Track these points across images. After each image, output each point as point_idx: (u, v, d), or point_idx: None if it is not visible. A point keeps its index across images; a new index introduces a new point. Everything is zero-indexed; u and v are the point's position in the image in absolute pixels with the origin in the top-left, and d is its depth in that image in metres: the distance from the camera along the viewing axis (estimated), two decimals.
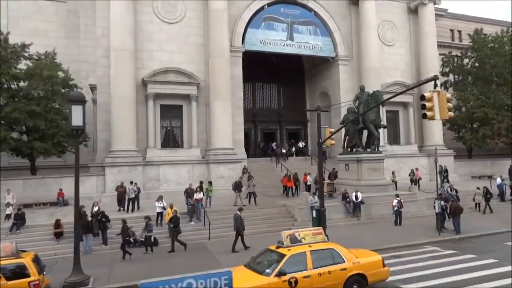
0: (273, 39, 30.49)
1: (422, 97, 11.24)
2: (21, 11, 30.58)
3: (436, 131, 33.38)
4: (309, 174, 26.26)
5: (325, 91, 34.60)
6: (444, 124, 36.05)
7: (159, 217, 17.08)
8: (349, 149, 23.81)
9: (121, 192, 19.56)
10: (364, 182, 21.80)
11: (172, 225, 15.05)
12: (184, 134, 27.44)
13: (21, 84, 23.08)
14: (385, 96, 31.93)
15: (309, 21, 31.82)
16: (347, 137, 24.33)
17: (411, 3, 34.77)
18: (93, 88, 28.06)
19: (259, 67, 35.49)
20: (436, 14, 43.77)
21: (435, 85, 11.15)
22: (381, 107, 31.60)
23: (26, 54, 23.93)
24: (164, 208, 16.97)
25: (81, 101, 11.01)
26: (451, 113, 11.18)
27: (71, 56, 30.93)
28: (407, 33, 35.18)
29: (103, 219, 15.53)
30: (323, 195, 15.57)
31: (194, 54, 27.61)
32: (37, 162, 25.30)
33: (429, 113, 11.04)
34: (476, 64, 35.31)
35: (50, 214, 18.78)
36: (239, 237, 15.14)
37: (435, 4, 34.51)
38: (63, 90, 23.99)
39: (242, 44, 29.40)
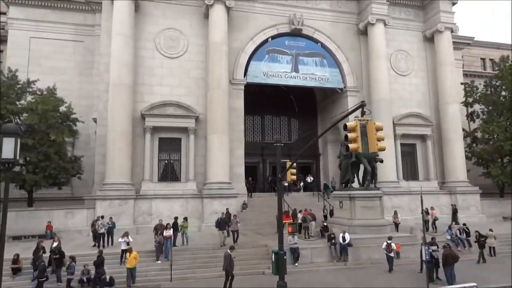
0: (276, 71, 30.08)
1: (345, 127, 10.03)
2: (43, 52, 32.61)
3: (458, 166, 30.56)
4: (310, 210, 24.72)
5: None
6: (469, 158, 33.14)
7: (123, 255, 16.42)
8: (343, 185, 22.15)
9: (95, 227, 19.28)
10: (357, 222, 19.94)
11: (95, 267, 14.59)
12: (182, 168, 27.14)
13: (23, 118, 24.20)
14: (401, 130, 30.49)
15: (316, 53, 31.18)
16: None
17: (426, 32, 33.17)
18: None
19: (268, 99, 35.16)
20: (462, 43, 42.11)
21: (363, 113, 9.90)
22: (394, 140, 29.94)
23: (30, 90, 25.16)
24: (128, 244, 16.33)
25: (14, 133, 10.76)
26: (383, 145, 9.80)
27: (86, 91, 32.36)
28: (424, 62, 33.38)
29: (58, 256, 15.14)
30: (282, 237, 14.18)
31: (194, 87, 27.74)
32: (39, 194, 26.01)
33: (352, 145, 9.79)
34: (503, 93, 32.50)
35: (27, 248, 18.79)
36: (229, 279, 14.15)
37: (452, 32, 32.60)
38: (64, 124, 24.85)
39: (244, 76, 29.25)
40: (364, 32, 31.62)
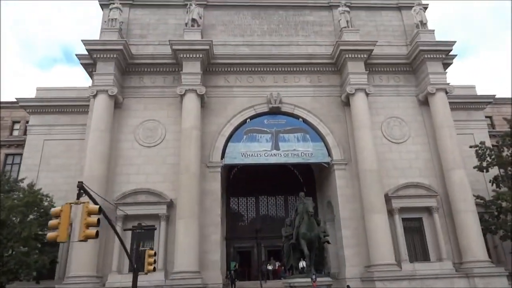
0: (256, 151, 29.59)
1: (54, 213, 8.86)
2: (53, 152, 35.65)
3: (472, 241, 25.76)
4: None
5: (330, 200, 30.81)
6: (493, 232, 28.05)
7: None
8: (290, 272, 19.49)
9: None
10: None
11: None
12: (159, 258, 26.18)
13: None
14: (399, 203, 27.17)
15: (297, 128, 30.49)
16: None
17: (419, 95, 31.11)
18: None
19: (262, 179, 34.24)
20: (482, 102, 39.06)
21: (78, 196, 8.79)
22: (391, 215, 26.95)
23: (16, 187, 27.23)
24: None
25: None
26: (91, 231, 8.41)
27: None
28: (422, 127, 30.72)
29: None
30: None
31: (169, 174, 27.97)
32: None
33: (51, 234, 8.56)
34: None
35: None
36: None
37: (447, 93, 30.14)
38: (41, 218, 25.99)
39: (221, 159, 29.07)
40: (347, 103, 30.50)
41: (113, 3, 31.28)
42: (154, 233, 26.70)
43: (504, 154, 29.32)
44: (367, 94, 29.66)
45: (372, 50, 30.42)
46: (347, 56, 30.08)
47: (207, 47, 29.25)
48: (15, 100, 36.95)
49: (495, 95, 39.71)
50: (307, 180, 35.23)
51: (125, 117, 29.55)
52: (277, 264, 31.18)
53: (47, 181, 33.52)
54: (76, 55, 30.34)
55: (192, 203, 25.79)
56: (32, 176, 33.79)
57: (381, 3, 35.16)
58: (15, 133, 41.74)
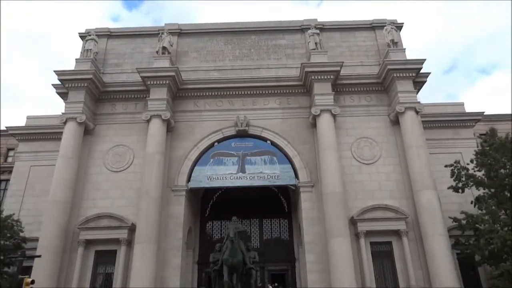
0: (222, 174, 29.53)
1: None
2: (37, 177, 36.61)
3: (440, 267, 24.28)
4: None
5: (299, 223, 30.12)
6: (470, 258, 26.51)
7: None
8: None
9: None
10: None
11: None
12: (117, 282, 26.24)
13: None
14: (365, 227, 26.23)
15: (264, 151, 30.30)
16: None
17: (391, 114, 30.40)
18: None
19: (238, 203, 33.97)
20: (470, 120, 37.88)
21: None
22: (357, 239, 26.21)
23: None
24: None
25: None
26: None
27: None
28: (394, 147, 29.79)
29: None
30: None
31: (134, 198, 28.19)
32: None
33: None
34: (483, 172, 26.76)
35: None
36: None
37: (417, 112, 29.29)
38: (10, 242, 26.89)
39: (188, 182, 29.18)
40: (315, 125, 30.16)
41: (89, 35, 32.81)
42: (116, 257, 26.94)
43: (481, 173, 27.79)
44: (333, 115, 29.28)
45: (339, 71, 30.20)
46: (313, 77, 30.01)
47: (173, 73, 29.94)
48: (5, 128, 38.83)
49: (483, 112, 38.21)
50: (282, 202, 34.67)
51: (95, 143, 30.36)
52: None
53: (30, 206, 34.77)
54: (52, 85, 31.75)
55: (150, 228, 25.83)
56: (17, 201, 35.23)
57: (355, 24, 35.13)
58: (9, 159, 43.63)
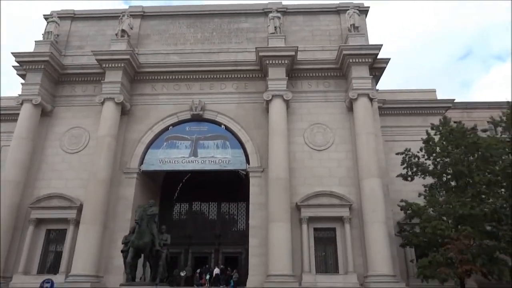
0: (174, 157, 29.82)
1: None
2: None
3: (378, 254, 24.39)
4: None
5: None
6: (403, 246, 26.51)
7: None
8: None
9: None
10: None
11: None
12: (63, 259, 26.98)
13: None
14: (308, 213, 26.33)
15: (218, 135, 30.40)
16: None
17: (346, 101, 30.07)
18: None
19: (199, 187, 34.40)
20: (440, 107, 37.12)
21: None
22: (300, 224, 26.42)
23: None
24: None
25: None
26: None
27: None
28: (347, 134, 29.54)
29: None
30: None
31: (86, 179, 28.81)
32: None
33: None
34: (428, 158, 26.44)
35: None
36: None
37: (371, 99, 28.88)
38: None
39: (140, 165, 29.59)
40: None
41: (52, 17, 32.99)
42: (66, 235, 27.72)
43: (430, 162, 27.39)
44: (285, 100, 29.11)
45: (294, 55, 29.84)
46: (267, 62, 29.75)
47: (128, 56, 30.02)
48: None
49: (454, 100, 37.35)
50: (241, 186, 34.88)
51: (53, 125, 30.85)
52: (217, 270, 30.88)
53: None
54: (13, 66, 32.17)
55: (95, 209, 26.40)
56: None
57: (320, 7, 34.48)
58: None
